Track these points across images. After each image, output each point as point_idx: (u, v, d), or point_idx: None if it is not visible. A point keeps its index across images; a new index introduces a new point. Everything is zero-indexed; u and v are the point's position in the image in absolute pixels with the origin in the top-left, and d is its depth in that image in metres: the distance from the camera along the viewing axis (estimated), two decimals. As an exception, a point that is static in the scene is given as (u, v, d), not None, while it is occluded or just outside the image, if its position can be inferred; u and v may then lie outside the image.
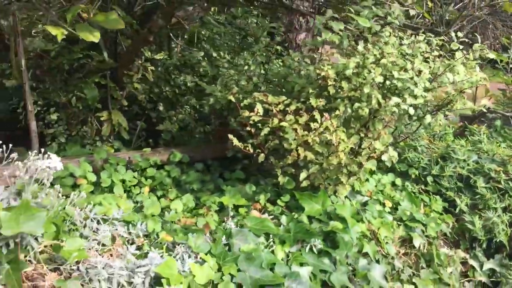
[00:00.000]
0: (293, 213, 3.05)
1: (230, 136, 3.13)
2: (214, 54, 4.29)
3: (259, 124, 3.09)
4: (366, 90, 2.89)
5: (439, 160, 4.22)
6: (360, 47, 2.95)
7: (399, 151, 4.09)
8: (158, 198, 3.26)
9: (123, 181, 3.17)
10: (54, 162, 2.04)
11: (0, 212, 1.82)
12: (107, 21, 2.35)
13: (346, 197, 3.42)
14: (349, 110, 3.05)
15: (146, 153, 3.62)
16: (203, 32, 4.41)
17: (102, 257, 2.02)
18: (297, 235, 2.74)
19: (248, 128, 3.10)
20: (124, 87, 3.98)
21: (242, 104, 3.13)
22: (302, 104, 3.09)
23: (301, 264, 2.55)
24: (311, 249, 2.72)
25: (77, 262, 2.00)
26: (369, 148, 3.03)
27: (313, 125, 2.95)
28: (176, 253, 2.25)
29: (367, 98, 2.97)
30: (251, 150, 3.15)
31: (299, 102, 3.08)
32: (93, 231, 2.20)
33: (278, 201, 3.24)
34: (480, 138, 4.59)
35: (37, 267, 1.92)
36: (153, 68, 4.04)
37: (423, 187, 4.12)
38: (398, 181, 4.07)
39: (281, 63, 4.22)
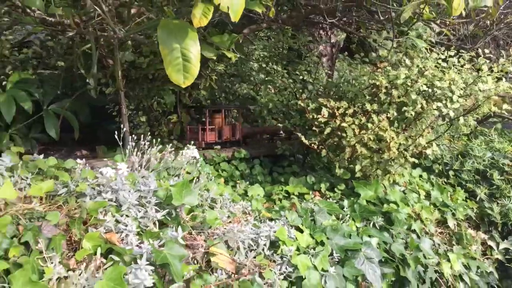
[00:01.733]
0: (351, 198, 3.69)
1: (299, 134, 3.76)
2: (263, 65, 4.93)
3: (323, 125, 3.73)
4: (413, 96, 3.55)
5: (459, 156, 4.92)
6: (408, 61, 3.62)
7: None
8: (232, 188, 3.86)
9: (208, 173, 3.76)
10: (195, 153, 2.64)
11: (171, 188, 2.42)
12: (221, 42, 2.97)
13: (389, 186, 4.07)
14: (395, 113, 3.71)
15: (217, 150, 4.23)
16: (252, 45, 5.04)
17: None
18: (362, 214, 3.38)
19: (314, 128, 3.73)
20: (191, 93, 4.59)
21: (309, 108, 3.76)
22: (358, 108, 3.74)
23: (369, 236, 3.19)
24: (374, 225, 3.37)
25: (215, 228, 2.60)
26: (414, 144, 3.69)
27: (370, 125, 3.60)
28: (279, 225, 2.85)
29: (412, 103, 3.63)
30: (315, 147, 3.79)
31: (355, 106, 3.73)
32: (220, 207, 2.80)
33: (335, 189, 3.87)
34: (492, 138, 5.31)
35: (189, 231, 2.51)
36: (216, 77, 4.66)
37: (445, 180, 4.81)
38: (424, 175, 4.75)
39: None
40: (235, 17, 1.75)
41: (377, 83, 3.62)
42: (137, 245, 2.18)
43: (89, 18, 3.20)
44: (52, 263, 1.91)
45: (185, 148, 2.67)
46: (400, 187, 4.28)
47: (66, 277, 1.93)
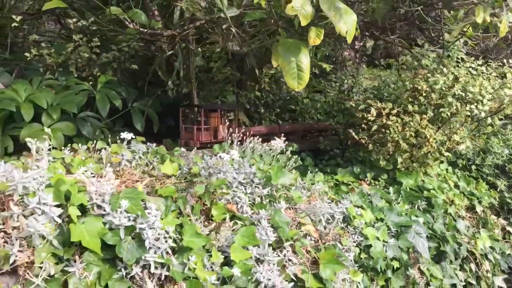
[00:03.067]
0: (395, 186, 4.30)
1: (350, 130, 4.38)
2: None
3: (370, 123, 4.34)
4: (450, 99, 4.17)
5: (480, 153, 5.54)
6: (445, 69, 4.24)
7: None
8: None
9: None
10: (282, 144, 3.25)
11: (271, 171, 3.03)
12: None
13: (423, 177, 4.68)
14: (432, 113, 4.32)
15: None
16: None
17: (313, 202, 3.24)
18: (408, 198, 3.99)
19: (363, 126, 4.35)
20: (247, 94, 5.20)
21: (359, 108, 4.38)
22: (401, 108, 4.35)
23: (416, 216, 3.80)
24: (418, 208, 3.98)
25: (299, 205, 3.21)
26: (449, 140, 4.31)
27: (412, 123, 4.21)
28: (343, 204, 3.46)
29: (448, 105, 4.25)
30: (363, 141, 4.41)
31: (399, 107, 4.34)
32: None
33: (379, 178, 4.48)
34: (508, 136, 5.94)
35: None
36: (267, 80, 5.28)
37: (468, 173, 5.43)
38: (450, 169, 5.36)
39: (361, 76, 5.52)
40: (350, 39, 2.36)
41: (419, 87, 4.24)
42: (251, 214, 2.79)
43: (182, 31, 3.80)
44: (197, 221, 2.52)
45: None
46: (432, 178, 4.89)
47: (208, 234, 2.53)
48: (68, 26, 5.41)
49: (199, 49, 4.56)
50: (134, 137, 2.87)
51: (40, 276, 1.96)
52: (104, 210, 2.19)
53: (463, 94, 4.26)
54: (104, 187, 2.16)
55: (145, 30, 3.84)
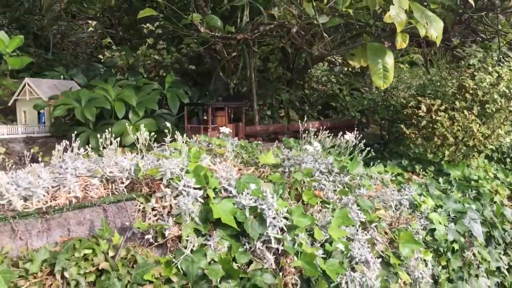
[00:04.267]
0: (444, 177, 4.63)
1: (401, 126, 4.72)
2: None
3: (420, 118, 4.67)
4: (496, 96, 4.49)
5: (515, 146, 5.86)
6: (490, 68, 4.57)
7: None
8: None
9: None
10: (352, 137, 3.59)
11: (348, 161, 3.38)
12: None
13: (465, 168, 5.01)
14: (477, 109, 4.65)
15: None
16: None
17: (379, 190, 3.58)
18: (459, 187, 4.33)
19: (413, 121, 4.68)
20: (297, 93, 5.54)
21: (409, 105, 4.71)
22: (449, 104, 4.68)
23: (468, 203, 4.14)
24: (468, 196, 4.31)
25: (369, 192, 3.55)
26: (493, 134, 4.63)
27: (459, 118, 4.53)
28: (408, 191, 3.79)
29: (493, 101, 4.57)
30: (412, 135, 4.74)
31: (446, 103, 4.67)
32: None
33: (427, 170, 4.81)
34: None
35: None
36: (315, 79, 5.61)
37: (503, 166, 5.76)
38: (486, 161, 5.69)
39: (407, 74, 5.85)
40: (438, 42, 2.69)
41: (466, 84, 4.57)
42: (336, 199, 3.13)
43: (252, 34, 4.14)
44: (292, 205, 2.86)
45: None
46: (475, 169, 5.23)
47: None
48: (116, 28, 5.78)
49: (254, 50, 4.89)
50: (230, 131, 3.21)
51: (188, 248, 2.31)
52: (230, 193, 2.54)
53: (507, 91, 4.58)
54: (231, 173, 2.51)
55: (217, 34, 4.19)
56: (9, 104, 4.38)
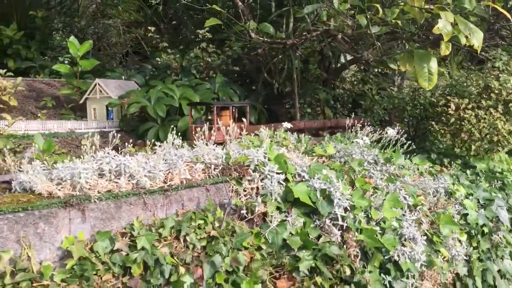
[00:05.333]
0: (471, 169, 5.07)
1: (432, 122, 5.17)
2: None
3: (449, 115, 5.11)
4: (519, 96, 4.93)
5: (533, 142, 6.27)
6: (514, 70, 5.00)
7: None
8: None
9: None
10: (394, 132, 4.05)
11: (392, 153, 3.84)
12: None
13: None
14: (501, 107, 5.08)
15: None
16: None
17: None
18: (486, 178, 4.77)
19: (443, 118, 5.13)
20: (331, 92, 6.00)
21: (440, 103, 5.16)
22: (475, 103, 5.12)
23: (494, 192, 4.58)
24: (494, 186, 4.76)
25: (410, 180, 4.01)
26: (517, 130, 5.07)
27: (486, 116, 4.97)
28: (444, 181, 4.24)
29: (516, 100, 5.00)
30: (442, 132, 5.19)
31: (473, 102, 5.11)
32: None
33: (454, 163, 5.26)
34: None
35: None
36: (348, 79, 6.07)
37: (525, 160, 6.17)
38: (506, 156, 6.11)
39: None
40: (478, 50, 3.14)
41: (491, 85, 5.00)
42: (384, 186, 3.60)
43: (300, 40, 4.61)
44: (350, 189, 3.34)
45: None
46: (498, 162, 5.66)
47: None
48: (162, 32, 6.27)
49: (297, 53, 5.35)
50: (291, 126, 3.69)
51: (272, 222, 2.80)
52: (303, 177, 3.02)
53: (530, 91, 5.01)
54: (303, 161, 2.99)
55: (267, 39, 4.66)
56: (80, 102, 4.89)
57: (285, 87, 5.38)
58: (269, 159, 2.97)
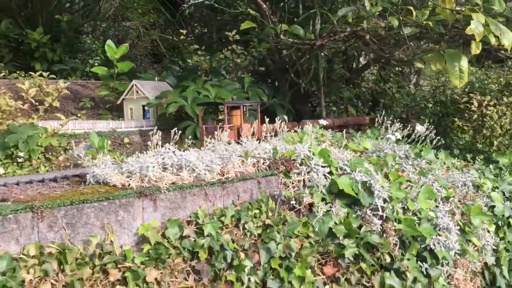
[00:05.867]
0: (493, 164, 5.23)
1: (455, 119, 5.34)
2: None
3: (471, 112, 5.28)
4: (541, 92, 5.09)
5: (552, 138, 6.41)
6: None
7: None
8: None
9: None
10: (422, 128, 4.23)
11: (423, 148, 4.02)
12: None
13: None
14: (522, 104, 5.24)
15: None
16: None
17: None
18: (510, 173, 4.94)
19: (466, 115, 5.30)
20: (353, 90, 6.19)
21: (463, 100, 5.33)
22: (497, 100, 5.29)
23: (517, 185, 4.75)
24: (517, 179, 4.93)
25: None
26: (539, 126, 5.23)
27: (508, 113, 5.14)
28: (471, 175, 4.40)
29: (538, 96, 5.16)
30: (465, 128, 5.36)
31: (495, 99, 5.28)
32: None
33: (477, 158, 5.42)
34: None
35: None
36: (370, 78, 6.26)
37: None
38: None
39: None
40: (509, 49, 3.32)
41: (512, 82, 5.17)
42: (416, 179, 3.78)
43: (328, 41, 4.80)
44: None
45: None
46: (515, 158, 5.81)
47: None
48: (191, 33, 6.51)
49: (324, 54, 5.55)
50: (326, 123, 3.89)
51: (318, 212, 2.99)
52: (345, 171, 3.21)
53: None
54: (345, 155, 3.19)
55: (296, 41, 4.86)
56: (118, 102, 5.12)
57: (311, 86, 5.57)
58: (313, 154, 3.17)
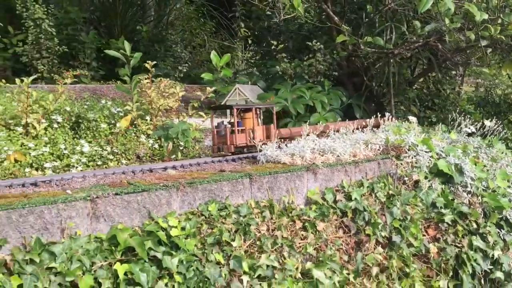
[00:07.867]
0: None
1: (511, 116, 6.14)
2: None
3: None
4: None
5: None
6: None
7: None
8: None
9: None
10: (472, 129, 5.07)
11: (477, 137, 4.85)
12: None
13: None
14: None
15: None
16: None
17: None
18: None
19: None
20: (415, 92, 7.02)
21: None
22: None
23: None
24: None
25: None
26: None
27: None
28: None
29: None
30: None
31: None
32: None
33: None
34: None
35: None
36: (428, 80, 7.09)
37: None
38: None
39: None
40: None
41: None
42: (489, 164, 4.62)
43: (404, 49, 5.66)
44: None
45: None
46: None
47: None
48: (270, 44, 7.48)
49: (396, 60, 6.40)
50: (415, 120, 4.76)
51: (423, 187, 3.86)
52: (440, 155, 4.08)
53: None
54: (440, 143, 4.06)
55: (376, 50, 5.74)
56: (222, 103, 6.09)
57: (382, 88, 6.44)
58: (416, 142, 4.05)
